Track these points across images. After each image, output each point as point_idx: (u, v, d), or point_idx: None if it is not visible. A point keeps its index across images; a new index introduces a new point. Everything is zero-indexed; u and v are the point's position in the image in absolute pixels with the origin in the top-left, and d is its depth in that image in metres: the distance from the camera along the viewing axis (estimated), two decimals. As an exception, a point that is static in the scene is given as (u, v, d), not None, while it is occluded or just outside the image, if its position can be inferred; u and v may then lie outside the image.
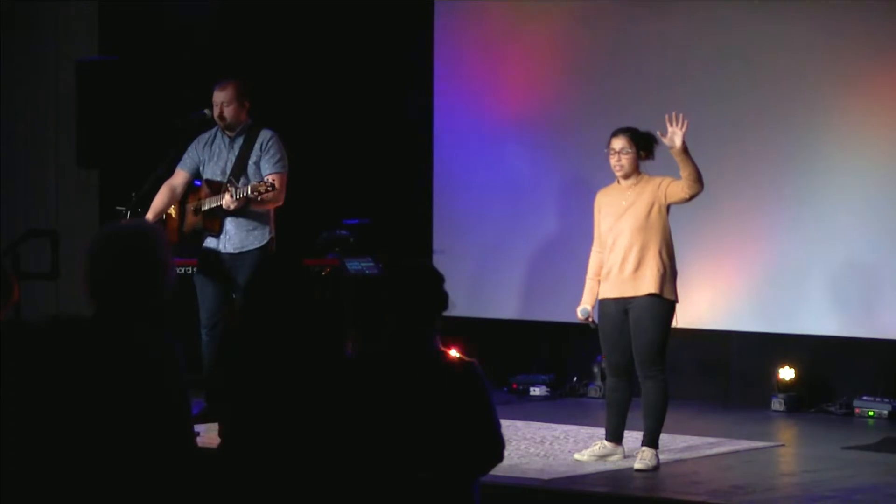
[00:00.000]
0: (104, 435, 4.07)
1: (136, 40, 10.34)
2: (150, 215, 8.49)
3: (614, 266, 7.58)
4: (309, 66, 11.05)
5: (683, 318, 9.30)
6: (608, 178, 7.77)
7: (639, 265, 7.51)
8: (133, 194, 8.65)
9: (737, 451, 8.08)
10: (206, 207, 8.54)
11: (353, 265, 9.63)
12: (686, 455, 7.81)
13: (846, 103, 9.39)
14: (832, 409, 9.46)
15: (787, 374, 9.59)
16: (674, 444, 8.11)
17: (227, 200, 8.35)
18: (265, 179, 8.35)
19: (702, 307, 9.68)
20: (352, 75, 11.08)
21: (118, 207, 8.69)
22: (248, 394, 4.73)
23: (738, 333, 9.88)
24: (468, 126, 10.76)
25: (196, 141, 8.66)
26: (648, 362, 7.50)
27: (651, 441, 7.49)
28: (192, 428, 4.23)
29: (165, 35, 10.50)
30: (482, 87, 10.73)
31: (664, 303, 7.52)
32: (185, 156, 8.67)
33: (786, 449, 8.33)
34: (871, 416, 9.27)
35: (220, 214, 8.49)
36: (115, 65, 9.74)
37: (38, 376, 4.13)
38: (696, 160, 7.43)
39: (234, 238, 8.51)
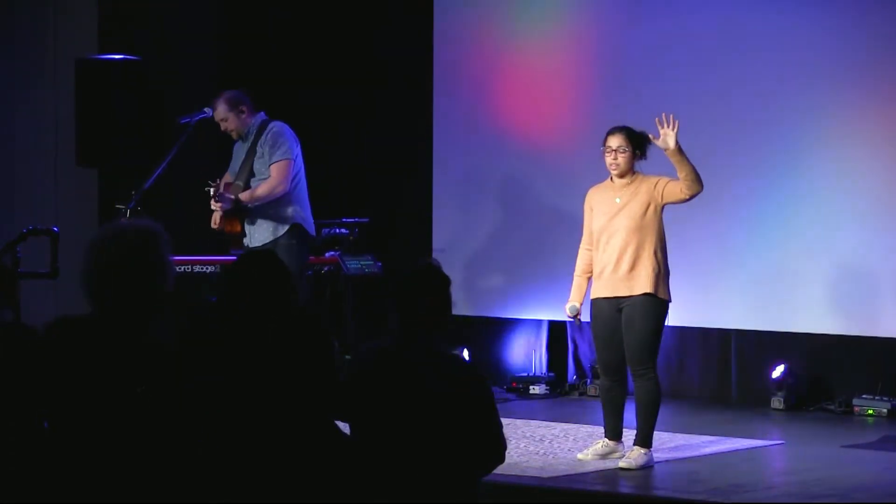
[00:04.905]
0: (124, 429, 4.08)
1: (137, 39, 10.33)
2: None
3: (608, 265, 7.51)
4: (308, 65, 11.05)
5: (684, 317, 9.34)
6: (606, 178, 7.74)
7: (634, 265, 7.45)
8: (133, 193, 8.66)
9: (736, 450, 8.08)
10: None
11: (353, 264, 9.64)
12: (685, 453, 7.81)
13: (845, 102, 9.38)
14: (831, 407, 9.45)
15: (786, 372, 9.59)
16: (673, 441, 8.12)
17: (217, 206, 8.47)
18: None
19: (702, 306, 9.68)
20: (351, 74, 11.08)
21: (118, 206, 8.70)
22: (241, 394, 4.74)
23: (738, 332, 9.87)
24: (468, 125, 10.76)
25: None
26: (639, 361, 7.45)
27: (642, 441, 7.45)
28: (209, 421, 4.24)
29: (166, 33, 10.50)
30: (482, 86, 10.73)
31: (658, 302, 7.47)
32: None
33: (785, 447, 8.33)
34: (870, 415, 9.27)
35: (231, 216, 8.57)
36: (116, 63, 9.74)
37: (54, 376, 4.14)
38: (692, 159, 7.41)
39: (252, 234, 8.61)
